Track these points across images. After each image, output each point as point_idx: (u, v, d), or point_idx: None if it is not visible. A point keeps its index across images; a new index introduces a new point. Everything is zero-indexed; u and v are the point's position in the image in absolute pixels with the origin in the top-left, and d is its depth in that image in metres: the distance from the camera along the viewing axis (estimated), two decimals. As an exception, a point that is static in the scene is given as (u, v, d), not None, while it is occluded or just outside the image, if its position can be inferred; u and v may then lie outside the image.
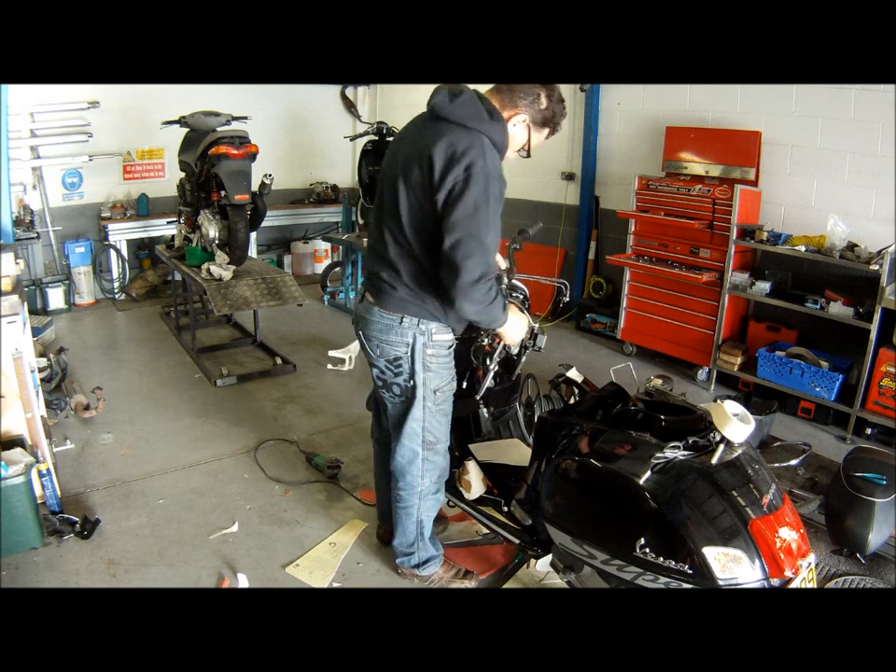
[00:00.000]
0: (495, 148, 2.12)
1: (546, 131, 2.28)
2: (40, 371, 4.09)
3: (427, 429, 2.44)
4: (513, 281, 3.01)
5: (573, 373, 2.78)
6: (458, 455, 3.05)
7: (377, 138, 6.54)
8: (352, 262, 6.59)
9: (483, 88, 2.15)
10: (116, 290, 7.00)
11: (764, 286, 4.58)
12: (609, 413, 2.40)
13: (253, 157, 4.68)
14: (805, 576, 1.93)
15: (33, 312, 5.90)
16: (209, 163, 4.65)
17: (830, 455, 3.70)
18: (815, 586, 2.05)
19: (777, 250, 4.47)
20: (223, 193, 4.63)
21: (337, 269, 7.15)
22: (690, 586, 1.91)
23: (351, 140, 7.00)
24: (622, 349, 5.71)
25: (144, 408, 4.31)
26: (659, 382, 3.71)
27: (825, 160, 4.57)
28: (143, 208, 7.08)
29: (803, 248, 4.31)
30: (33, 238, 6.09)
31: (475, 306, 2.16)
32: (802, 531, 2.04)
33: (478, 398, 2.87)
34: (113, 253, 6.88)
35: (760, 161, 4.82)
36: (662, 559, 1.94)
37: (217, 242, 4.96)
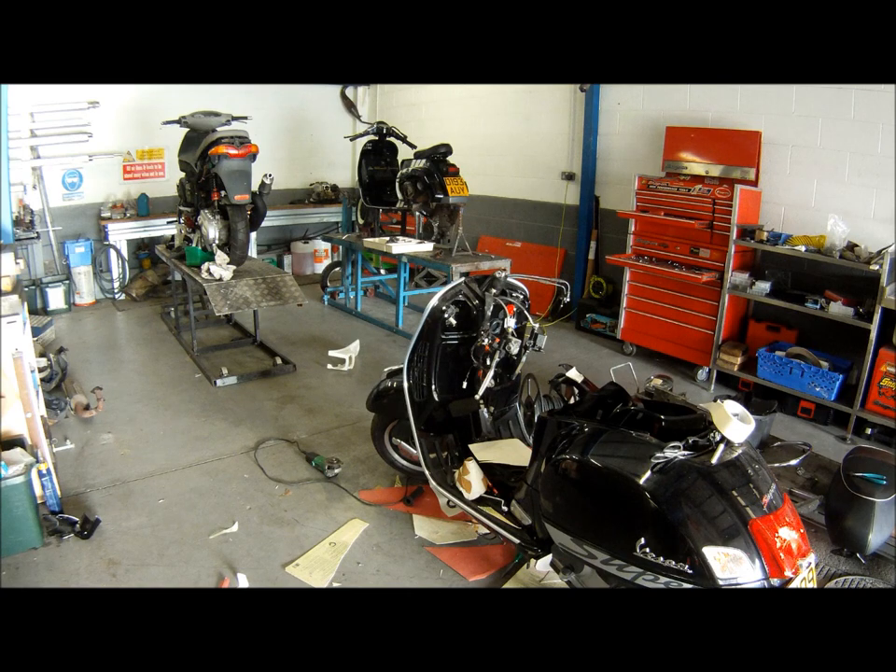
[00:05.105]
0: None
1: None
2: (40, 370, 4.10)
3: None
4: (513, 281, 3.02)
5: (573, 373, 2.78)
6: (458, 454, 3.06)
7: (377, 138, 6.54)
8: (352, 262, 6.59)
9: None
10: (116, 290, 7.01)
11: (764, 286, 4.58)
12: (608, 412, 2.40)
13: (253, 157, 4.69)
14: (805, 576, 1.93)
15: (33, 312, 5.91)
16: (209, 163, 4.65)
17: (830, 454, 3.70)
18: (815, 586, 2.05)
19: (777, 250, 4.47)
20: (223, 193, 4.63)
21: (337, 269, 7.15)
22: (690, 586, 1.91)
23: (351, 140, 7.01)
24: (622, 349, 5.71)
25: (144, 408, 4.31)
26: (659, 382, 3.72)
27: (825, 160, 4.57)
28: (143, 208, 7.08)
29: (803, 248, 4.31)
30: (33, 238, 6.09)
31: None
32: (802, 531, 2.04)
33: (478, 398, 2.87)
34: (113, 253, 6.89)
35: (760, 161, 4.82)
36: (662, 559, 1.94)
37: (216, 242, 4.96)
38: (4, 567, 2.66)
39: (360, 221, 7.01)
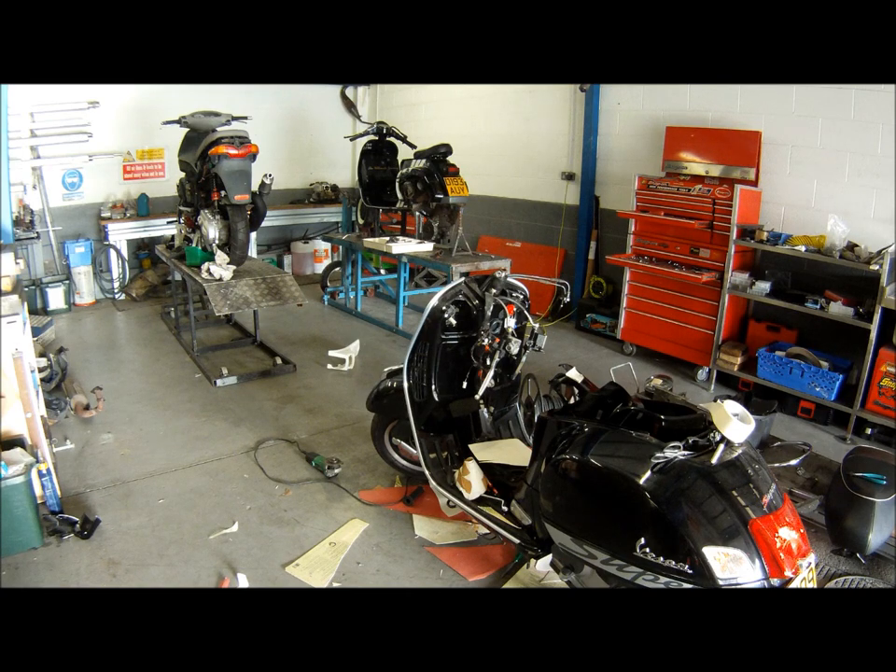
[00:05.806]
0: None
1: None
2: (40, 370, 4.09)
3: None
4: (513, 281, 3.02)
5: (573, 373, 2.78)
6: (458, 454, 3.06)
7: (377, 138, 6.54)
8: (352, 262, 6.59)
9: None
10: (116, 290, 7.01)
11: (764, 286, 4.58)
12: (608, 412, 2.40)
13: (253, 157, 4.69)
14: (805, 576, 1.93)
15: (33, 312, 5.91)
16: (209, 163, 4.65)
17: (830, 454, 3.70)
18: (815, 586, 2.05)
19: (777, 250, 4.47)
20: (223, 193, 4.64)
21: (337, 269, 7.15)
22: (690, 586, 1.91)
23: (351, 140, 7.01)
24: (622, 349, 5.70)
25: (144, 408, 4.31)
26: (659, 382, 3.72)
27: (825, 160, 4.57)
28: (143, 208, 7.08)
29: (803, 248, 4.31)
30: (33, 238, 6.10)
31: None
32: (802, 531, 2.04)
33: (478, 398, 2.87)
34: (113, 253, 6.89)
35: (760, 160, 4.82)
36: (662, 559, 1.94)
37: (216, 242, 4.96)
38: (4, 567, 2.66)
39: (360, 221, 7.01)
